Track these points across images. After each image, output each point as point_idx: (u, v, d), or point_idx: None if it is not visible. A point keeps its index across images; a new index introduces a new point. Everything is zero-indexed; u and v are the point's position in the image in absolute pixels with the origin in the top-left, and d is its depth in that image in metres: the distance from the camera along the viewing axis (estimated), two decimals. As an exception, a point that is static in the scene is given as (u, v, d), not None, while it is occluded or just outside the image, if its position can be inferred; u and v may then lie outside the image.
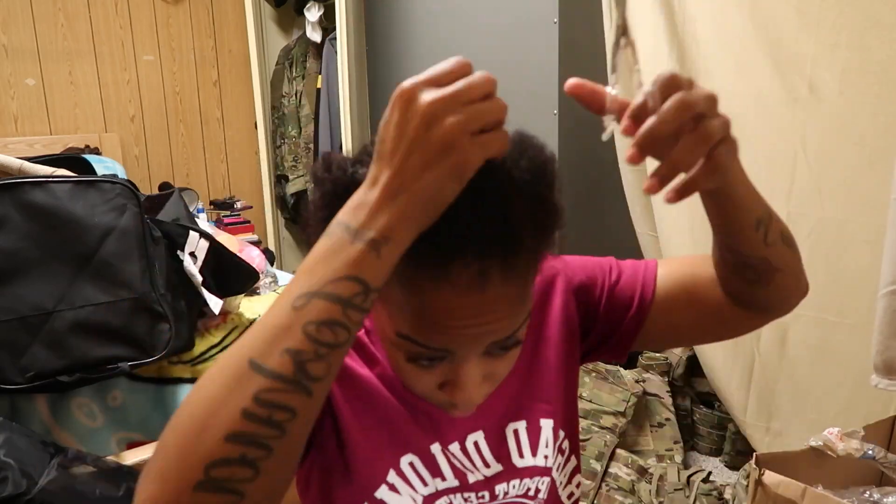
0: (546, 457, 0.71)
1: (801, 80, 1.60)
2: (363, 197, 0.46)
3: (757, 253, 0.62)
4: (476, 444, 0.69)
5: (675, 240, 1.95)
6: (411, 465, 0.65)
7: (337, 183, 0.52)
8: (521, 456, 0.70)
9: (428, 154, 0.43)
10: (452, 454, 0.68)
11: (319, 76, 3.22)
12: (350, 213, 0.46)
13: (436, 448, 0.67)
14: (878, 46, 1.48)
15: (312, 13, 3.06)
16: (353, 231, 0.45)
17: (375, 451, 0.64)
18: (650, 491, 1.80)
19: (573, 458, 0.74)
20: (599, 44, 2.00)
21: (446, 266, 0.50)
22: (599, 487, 1.83)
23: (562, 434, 0.72)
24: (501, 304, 0.53)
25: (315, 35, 3.12)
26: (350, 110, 2.91)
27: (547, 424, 0.71)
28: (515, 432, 0.70)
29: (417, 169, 0.44)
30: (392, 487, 0.64)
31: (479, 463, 0.68)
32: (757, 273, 0.64)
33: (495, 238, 0.50)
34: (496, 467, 0.69)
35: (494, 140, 0.45)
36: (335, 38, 2.90)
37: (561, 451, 0.72)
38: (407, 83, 0.44)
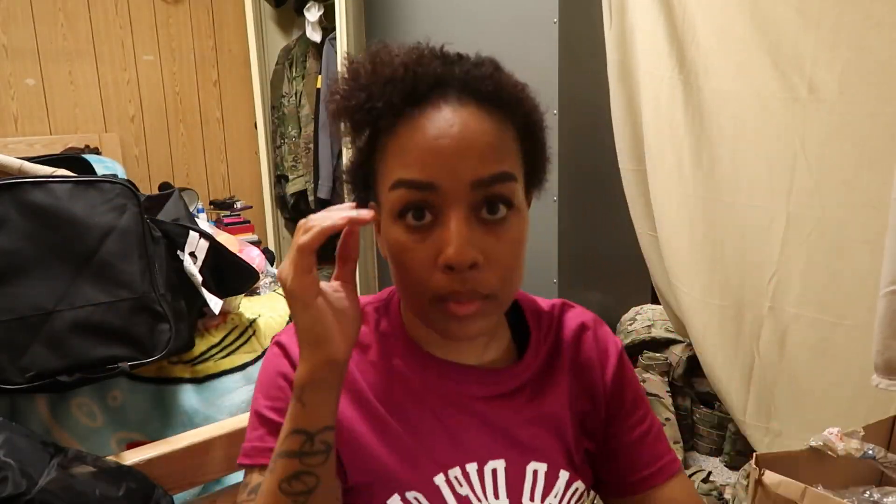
0: None
1: (800, 80, 1.60)
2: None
3: None
4: (494, 471, 0.68)
5: (675, 240, 1.94)
6: (416, 499, 0.65)
7: None
8: (532, 499, 0.69)
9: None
10: (458, 481, 0.67)
11: (319, 76, 3.22)
12: None
13: (440, 479, 0.66)
14: (878, 46, 1.48)
15: (312, 13, 3.06)
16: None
17: (395, 468, 0.65)
18: (650, 491, 1.80)
19: None
20: (599, 43, 2.00)
21: (409, 86, 0.58)
22: (599, 487, 1.82)
23: (574, 488, 0.71)
24: (470, 128, 0.57)
25: (315, 35, 3.12)
26: (350, 110, 2.90)
27: (564, 476, 0.70)
28: (535, 473, 0.69)
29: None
30: None
31: (489, 491, 0.67)
32: None
33: (444, 57, 0.60)
34: (503, 501, 0.68)
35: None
36: (335, 38, 2.90)
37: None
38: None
